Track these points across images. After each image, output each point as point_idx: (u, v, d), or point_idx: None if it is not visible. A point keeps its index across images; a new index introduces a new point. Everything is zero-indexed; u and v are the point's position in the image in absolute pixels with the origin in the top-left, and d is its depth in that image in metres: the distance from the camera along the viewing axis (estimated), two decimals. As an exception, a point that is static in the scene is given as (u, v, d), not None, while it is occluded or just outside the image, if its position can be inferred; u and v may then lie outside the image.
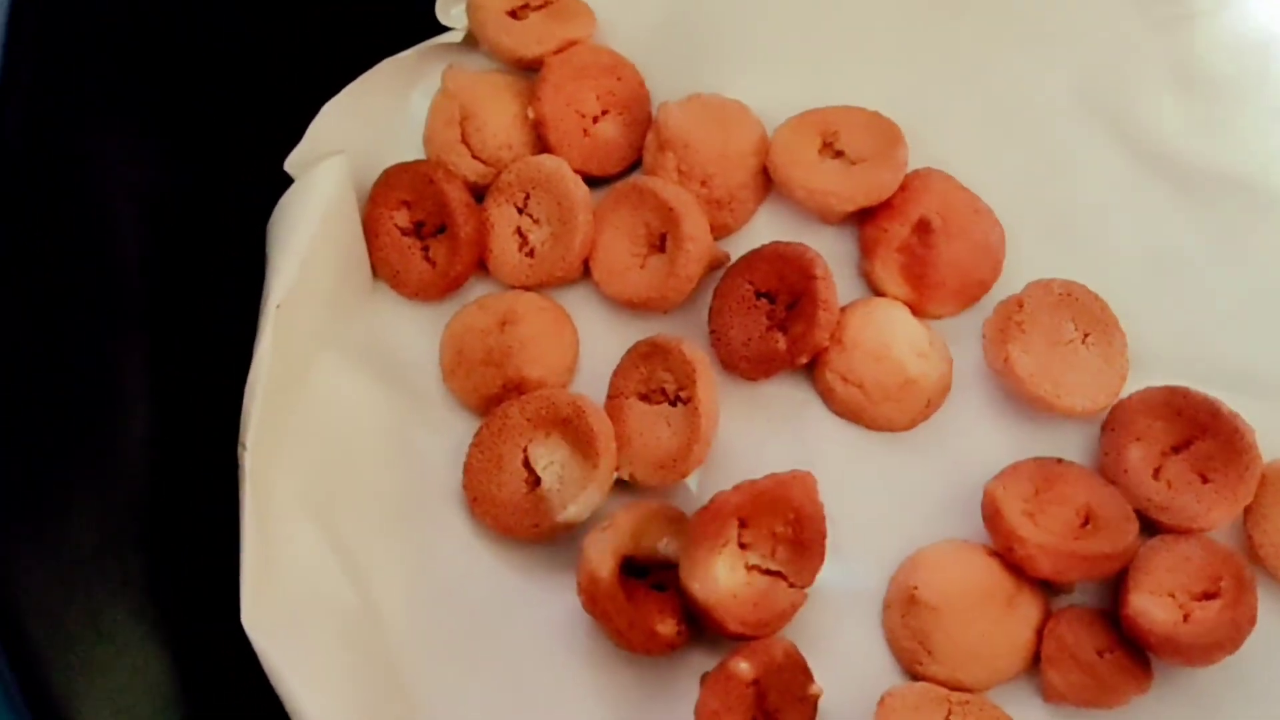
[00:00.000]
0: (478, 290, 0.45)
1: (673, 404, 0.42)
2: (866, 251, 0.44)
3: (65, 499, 0.29)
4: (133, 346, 0.34)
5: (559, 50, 0.45)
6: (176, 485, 0.35)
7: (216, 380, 0.37)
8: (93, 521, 0.30)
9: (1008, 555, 0.40)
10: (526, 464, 0.41)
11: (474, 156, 0.45)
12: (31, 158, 0.29)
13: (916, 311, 0.44)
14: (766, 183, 0.45)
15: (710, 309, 0.43)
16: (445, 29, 0.46)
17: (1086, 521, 0.41)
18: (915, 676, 0.41)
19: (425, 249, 0.44)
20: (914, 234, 0.44)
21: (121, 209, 0.34)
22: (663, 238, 0.43)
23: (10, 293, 0.27)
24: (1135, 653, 0.40)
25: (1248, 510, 0.41)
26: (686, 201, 0.43)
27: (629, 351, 0.43)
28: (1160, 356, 0.43)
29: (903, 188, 0.44)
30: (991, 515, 0.40)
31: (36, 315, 0.29)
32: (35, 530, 0.26)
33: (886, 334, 0.42)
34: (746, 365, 0.42)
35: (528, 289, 0.44)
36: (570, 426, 0.41)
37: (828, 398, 0.43)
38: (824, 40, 0.47)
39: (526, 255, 0.44)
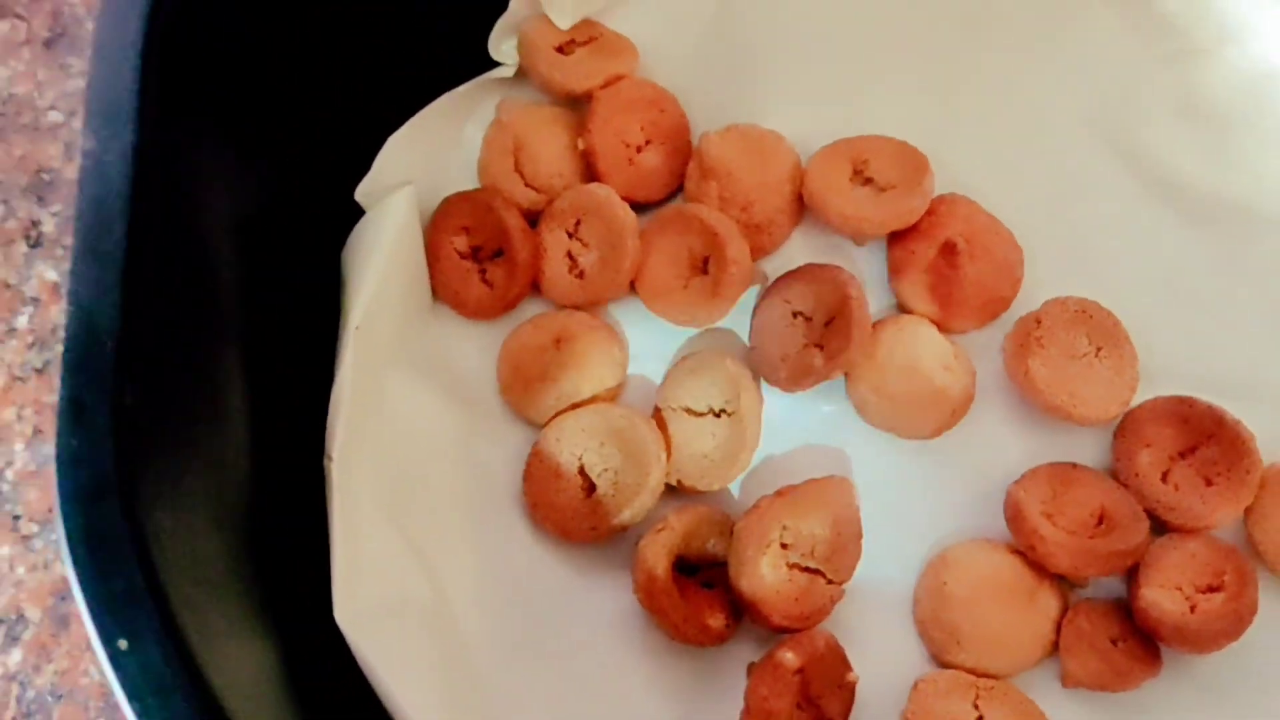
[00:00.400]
0: (532, 309, 0.46)
1: (717, 416, 0.43)
2: (895, 272, 0.46)
3: (188, 502, 0.31)
4: (232, 362, 0.36)
5: (605, 84, 0.47)
6: (272, 491, 0.36)
7: (302, 395, 0.39)
8: (209, 522, 0.32)
9: (1029, 552, 0.42)
10: (582, 472, 0.43)
11: (527, 185, 0.47)
12: (151, 194, 0.31)
13: (942, 327, 0.45)
14: (801, 208, 0.46)
15: (751, 326, 0.45)
16: (497, 64, 0.48)
17: (1101, 521, 0.42)
18: (944, 665, 0.42)
19: (483, 271, 0.46)
20: (940, 255, 0.45)
21: (221, 238, 0.35)
22: (705, 260, 0.45)
23: (137, 310, 0.29)
24: (1146, 641, 0.41)
25: (1249, 510, 0.42)
26: (728, 226, 0.45)
27: (675, 365, 0.45)
28: (1168, 368, 0.45)
29: (929, 212, 0.45)
30: (1014, 516, 0.42)
31: (158, 336, 0.31)
32: (171, 522, 0.29)
33: (915, 350, 0.44)
34: (785, 378, 0.44)
35: (579, 308, 0.46)
36: (622, 437, 0.43)
37: (861, 409, 0.45)
38: (854, 72, 0.48)
39: (577, 277, 0.46)
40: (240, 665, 0.30)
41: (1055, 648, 0.42)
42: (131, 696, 0.25)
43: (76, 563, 0.26)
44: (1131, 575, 0.42)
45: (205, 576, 0.30)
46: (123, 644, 0.26)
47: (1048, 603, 0.42)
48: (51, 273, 0.50)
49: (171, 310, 0.31)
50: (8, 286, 0.50)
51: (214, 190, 0.35)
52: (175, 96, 0.31)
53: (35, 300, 0.50)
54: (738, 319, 0.46)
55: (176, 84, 0.32)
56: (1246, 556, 0.42)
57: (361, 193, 0.44)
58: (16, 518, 0.48)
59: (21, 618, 0.47)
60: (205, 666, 0.26)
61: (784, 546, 0.41)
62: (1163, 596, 0.41)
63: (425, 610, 0.40)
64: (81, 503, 0.26)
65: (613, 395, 0.45)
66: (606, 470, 0.43)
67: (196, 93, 0.33)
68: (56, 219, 0.51)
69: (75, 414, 0.27)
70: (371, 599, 0.38)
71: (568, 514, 0.43)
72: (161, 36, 0.31)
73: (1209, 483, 0.43)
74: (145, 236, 0.29)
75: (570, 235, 0.46)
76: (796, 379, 0.44)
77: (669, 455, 0.43)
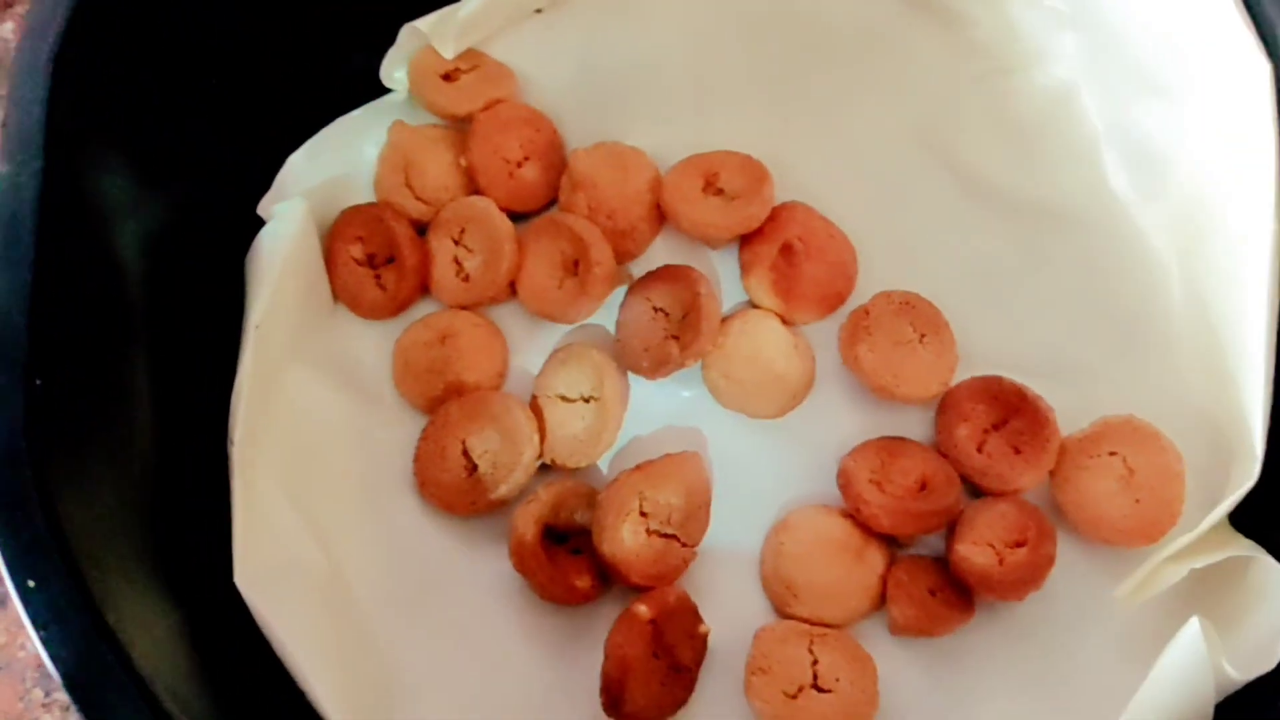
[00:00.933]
0: (422, 310, 0.50)
1: (585, 401, 0.47)
2: (744, 271, 0.50)
3: (93, 472, 0.34)
4: (138, 358, 0.39)
5: (487, 107, 0.50)
6: (178, 471, 0.40)
7: (208, 387, 0.43)
8: (113, 491, 0.35)
9: (856, 515, 0.46)
10: (465, 453, 0.47)
11: (417, 198, 0.50)
12: (57, 210, 0.34)
13: (785, 319, 0.49)
14: (661, 215, 0.50)
15: (617, 321, 0.49)
16: (389, 90, 0.51)
17: (923, 487, 0.46)
18: (785, 617, 0.46)
19: (377, 276, 0.49)
20: (781, 255, 0.49)
21: (127, 248, 0.39)
22: (576, 263, 0.49)
23: (50, 311, 0.34)
24: (960, 592, 0.45)
25: (1051, 475, 0.46)
26: (595, 233, 0.49)
27: (550, 357, 0.49)
28: (983, 352, 0.48)
29: (771, 217, 0.49)
30: (845, 484, 0.46)
31: (66, 330, 0.34)
32: (75, 488, 0.33)
33: (759, 340, 0.48)
34: (648, 367, 0.48)
35: (464, 308, 0.50)
36: (500, 422, 0.47)
37: (715, 393, 0.49)
38: (704, 95, 0.51)
39: (462, 280, 0.49)
40: (140, 611, 0.34)
41: (882, 600, 0.46)
42: (37, 624, 0.30)
43: (-9, 519, 0.31)
44: (949, 534, 0.46)
45: (108, 537, 0.34)
46: (30, 583, 0.30)
47: (874, 559, 0.46)
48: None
49: (77, 309, 0.35)
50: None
51: (120, 209, 0.39)
52: (78, 130, 0.36)
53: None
54: (606, 315, 0.50)
55: (80, 115, 0.36)
56: (1048, 516, 0.46)
57: (263, 207, 0.48)
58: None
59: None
60: (100, 604, 0.31)
61: (642, 514, 0.45)
62: (974, 552, 0.45)
63: (320, 575, 0.44)
64: (-7, 472, 0.31)
65: (494, 385, 0.49)
66: (486, 452, 0.47)
67: (100, 122, 0.37)
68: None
69: (-13, 398, 0.32)
70: (269, 564, 0.42)
71: (452, 491, 0.47)
72: (66, 73, 0.35)
73: (1017, 451, 0.46)
74: (52, 246, 0.34)
75: (455, 243, 0.50)
76: (657, 367, 0.48)
77: (543, 437, 0.47)
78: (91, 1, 0.36)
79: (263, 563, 0.42)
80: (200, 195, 0.45)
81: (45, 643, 0.30)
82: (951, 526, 0.46)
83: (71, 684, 0.30)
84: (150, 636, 0.34)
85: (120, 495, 0.36)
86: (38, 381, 0.32)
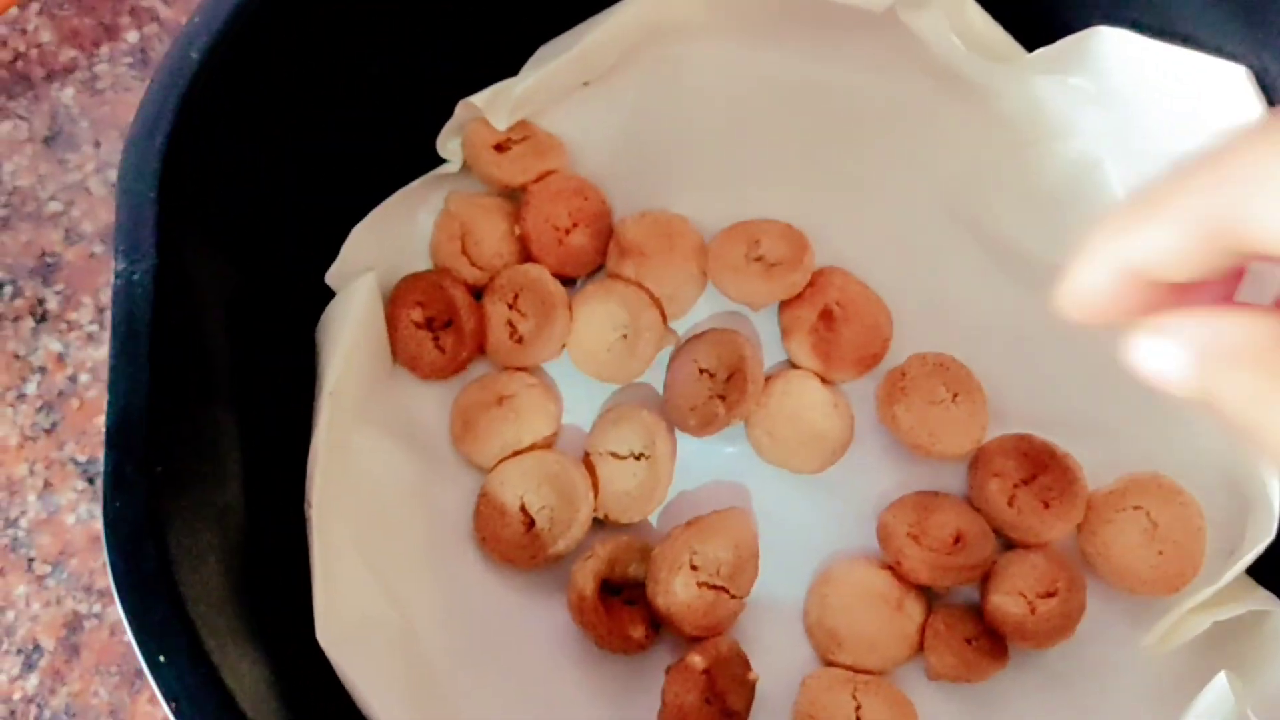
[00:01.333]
0: (478, 371, 0.52)
1: (637, 459, 0.50)
2: (785, 333, 0.52)
3: (201, 544, 0.36)
4: (229, 430, 0.41)
5: (538, 179, 0.52)
6: (263, 535, 0.42)
7: (287, 453, 0.45)
8: (217, 561, 0.37)
9: (896, 568, 0.48)
10: (523, 509, 0.49)
11: (472, 264, 0.52)
12: (168, 303, 0.37)
13: (824, 379, 0.51)
14: (705, 279, 0.52)
15: (665, 381, 0.52)
16: (445, 161, 0.53)
17: (958, 540, 0.49)
18: (828, 664, 0.48)
19: (436, 339, 0.51)
20: (820, 319, 0.51)
21: (217, 329, 0.41)
22: (625, 327, 0.51)
23: (164, 401, 0.36)
24: (995, 640, 0.48)
25: (1080, 527, 0.49)
26: (643, 299, 0.51)
27: (602, 416, 0.52)
28: (1013, 410, 0.51)
29: (811, 283, 0.51)
30: (884, 537, 0.49)
31: (177, 416, 0.37)
32: (190, 563, 0.35)
33: (801, 399, 0.50)
34: (695, 425, 0.50)
35: (519, 370, 0.52)
36: (557, 479, 0.49)
37: (758, 449, 0.51)
38: (746, 165, 0.54)
39: (516, 342, 0.52)
40: (245, 675, 0.36)
41: (921, 648, 0.48)
42: (168, 698, 0.32)
43: (122, 598, 0.33)
44: (983, 584, 0.49)
45: (215, 605, 0.37)
46: (161, 659, 0.33)
47: (913, 610, 0.48)
48: (56, 344, 0.57)
49: (185, 395, 0.38)
50: (18, 357, 0.56)
51: (212, 290, 0.41)
52: (183, 224, 0.38)
53: (42, 369, 0.56)
54: (654, 374, 0.52)
55: (183, 214, 0.38)
56: (1078, 566, 0.48)
57: (331, 277, 0.49)
58: (31, 560, 0.54)
59: (37, 647, 0.52)
60: (221, 673, 0.34)
61: (693, 568, 0.48)
62: (1008, 602, 0.47)
63: (392, 631, 0.46)
64: (125, 554, 0.34)
65: (549, 443, 0.51)
66: (544, 508, 0.49)
67: (198, 218, 0.39)
68: (59, 297, 0.57)
69: (117, 482, 0.34)
70: (347, 622, 0.44)
71: (511, 546, 0.49)
72: (172, 171, 0.38)
73: (1046, 505, 0.49)
74: (165, 338, 0.36)
75: (510, 307, 0.52)
76: (703, 425, 0.50)
77: (596, 493, 0.50)
78: (194, 101, 0.38)
79: (341, 620, 0.44)
80: (272, 270, 0.47)
81: (176, 714, 0.32)
82: (985, 578, 0.49)
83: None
84: (255, 694, 0.36)
85: (221, 564, 0.38)
86: (158, 469, 0.34)
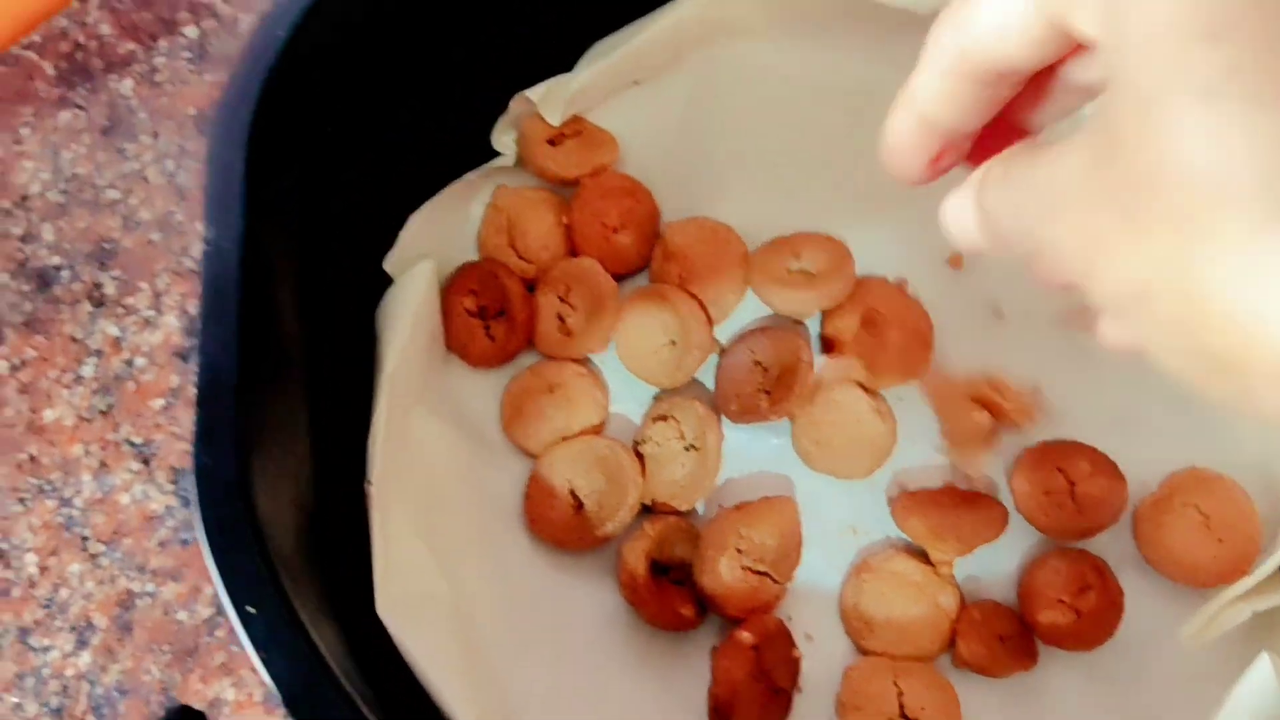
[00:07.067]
0: (526, 360, 0.54)
1: (686, 450, 0.51)
2: (827, 342, 0.53)
3: (279, 505, 0.37)
4: (299, 402, 0.43)
5: (592, 173, 0.53)
6: (327, 508, 0.44)
7: (349, 431, 0.47)
8: (292, 524, 0.39)
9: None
10: (572, 493, 0.50)
11: (519, 256, 0.54)
12: (252, 271, 0.39)
13: (868, 385, 0.52)
14: (746, 286, 0.54)
15: (718, 363, 0.53)
16: (498, 155, 0.54)
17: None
18: (861, 649, 0.50)
19: (487, 328, 0.53)
20: (863, 327, 0.53)
21: (288, 304, 0.42)
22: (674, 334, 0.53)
23: (248, 362, 0.37)
24: (1028, 642, 0.49)
25: (1137, 538, 0.50)
26: (695, 313, 0.52)
27: (653, 405, 0.53)
28: (1060, 410, 0.52)
29: (853, 293, 0.53)
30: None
31: (259, 377, 0.38)
32: (272, 521, 0.36)
33: (845, 408, 0.52)
34: (735, 411, 0.52)
35: (568, 360, 0.53)
36: (606, 464, 0.51)
37: (804, 458, 0.52)
38: (791, 176, 0.54)
39: (565, 335, 0.53)
40: (325, 634, 0.38)
41: (952, 642, 0.49)
42: (258, 647, 0.33)
43: (213, 549, 0.34)
44: (1021, 604, 0.50)
45: (294, 566, 0.38)
46: (250, 610, 0.34)
47: (947, 603, 0.50)
48: (113, 328, 0.58)
49: (265, 360, 0.39)
50: (75, 340, 0.58)
51: (284, 268, 0.43)
52: (264, 198, 0.39)
53: (99, 352, 0.57)
54: (703, 370, 0.54)
55: (264, 189, 0.40)
56: (1093, 556, 0.50)
57: (389, 263, 0.51)
58: (85, 539, 0.55)
59: (90, 625, 0.53)
60: (308, 627, 0.35)
61: (739, 551, 0.49)
62: (1053, 614, 0.49)
63: (446, 606, 0.47)
64: (214, 505, 0.35)
65: (597, 430, 0.53)
66: (592, 491, 0.51)
67: (275, 194, 0.41)
68: (116, 282, 0.58)
69: (207, 438, 0.35)
70: (404, 596, 0.45)
71: (560, 527, 0.50)
72: (258, 144, 0.40)
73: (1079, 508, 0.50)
74: (249, 304, 0.38)
75: (561, 300, 0.53)
76: (742, 414, 0.52)
77: (645, 479, 0.51)
78: (278, 78, 0.40)
79: (400, 594, 0.45)
80: (334, 251, 0.48)
81: (266, 664, 0.33)
82: (1022, 596, 0.50)
83: (292, 702, 0.33)
84: (335, 653, 0.37)
85: (296, 529, 0.39)
86: (242, 425, 0.36)
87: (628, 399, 0.54)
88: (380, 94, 0.47)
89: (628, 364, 0.53)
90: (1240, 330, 0.22)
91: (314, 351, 0.46)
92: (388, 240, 0.52)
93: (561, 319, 0.54)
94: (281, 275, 0.43)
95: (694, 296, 0.53)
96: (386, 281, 0.52)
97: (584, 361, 0.54)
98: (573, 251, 0.55)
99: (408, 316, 0.49)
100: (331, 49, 0.43)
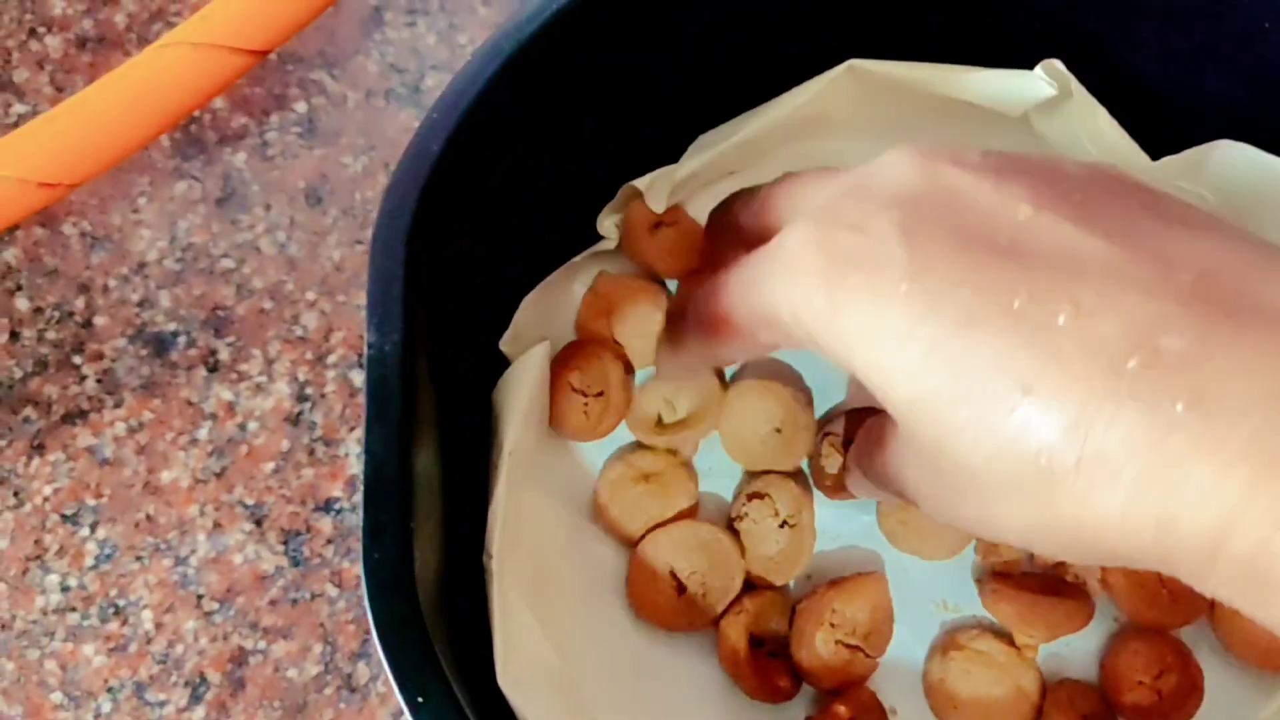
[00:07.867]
0: (623, 435, 0.56)
1: (781, 527, 0.54)
2: None
3: (427, 591, 0.41)
4: (436, 488, 0.45)
5: (687, 274, 0.56)
6: (454, 579, 0.46)
7: (467, 502, 0.49)
8: (433, 603, 0.42)
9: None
10: (673, 575, 0.53)
11: (615, 342, 0.56)
12: (408, 373, 0.41)
13: None
14: None
15: (811, 458, 0.56)
16: (601, 239, 0.56)
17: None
18: None
19: (585, 405, 0.54)
20: None
21: (426, 396, 0.44)
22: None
23: (407, 458, 0.40)
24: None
25: (1211, 621, 0.52)
26: (800, 398, 0.54)
27: (746, 484, 0.55)
28: None
29: None
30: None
31: (414, 472, 0.41)
32: (427, 608, 0.39)
33: None
34: (828, 486, 0.54)
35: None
36: (709, 549, 0.53)
37: (891, 539, 0.54)
38: None
39: (661, 429, 0.55)
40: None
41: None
42: (428, 737, 0.36)
43: (384, 643, 0.37)
44: (1102, 679, 0.52)
45: (446, 649, 0.40)
46: (420, 699, 0.36)
47: (1030, 685, 0.52)
48: (227, 393, 0.60)
49: (417, 456, 0.42)
50: (190, 404, 0.60)
51: (425, 361, 0.45)
52: (414, 307, 0.42)
53: (214, 416, 0.60)
54: None
55: (417, 291, 0.42)
56: (1170, 635, 0.52)
57: (504, 343, 0.53)
58: (200, 596, 0.57)
59: (204, 680, 0.56)
60: (466, 710, 0.37)
61: (833, 626, 0.51)
62: (1137, 695, 0.51)
63: (557, 677, 0.49)
64: (385, 600, 0.37)
65: (689, 514, 0.55)
66: (694, 574, 0.53)
67: (426, 295, 0.44)
68: (230, 349, 0.61)
69: (375, 535, 0.38)
70: (520, 667, 0.47)
71: (667, 611, 0.52)
72: (414, 252, 0.42)
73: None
74: (408, 405, 0.41)
75: (666, 400, 0.56)
76: (835, 490, 0.55)
77: (744, 556, 0.53)
78: (432, 190, 0.43)
79: (516, 665, 0.47)
80: (460, 336, 0.50)
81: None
82: (1103, 680, 0.53)
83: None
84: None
85: (442, 610, 0.42)
86: (411, 524, 0.38)
87: (719, 474, 0.57)
88: (513, 196, 0.50)
89: (732, 453, 0.55)
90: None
91: (446, 436, 0.48)
92: (502, 322, 0.54)
93: (660, 418, 0.56)
94: (423, 373, 0.45)
95: (806, 391, 0.56)
96: (501, 361, 0.54)
97: (675, 451, 0.56)
98: (670, 339, 0.57)
99: (524, 394, 0.51)
100: (478, 156, 0.45)
